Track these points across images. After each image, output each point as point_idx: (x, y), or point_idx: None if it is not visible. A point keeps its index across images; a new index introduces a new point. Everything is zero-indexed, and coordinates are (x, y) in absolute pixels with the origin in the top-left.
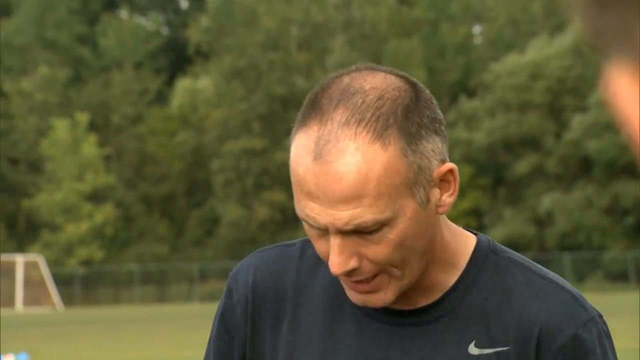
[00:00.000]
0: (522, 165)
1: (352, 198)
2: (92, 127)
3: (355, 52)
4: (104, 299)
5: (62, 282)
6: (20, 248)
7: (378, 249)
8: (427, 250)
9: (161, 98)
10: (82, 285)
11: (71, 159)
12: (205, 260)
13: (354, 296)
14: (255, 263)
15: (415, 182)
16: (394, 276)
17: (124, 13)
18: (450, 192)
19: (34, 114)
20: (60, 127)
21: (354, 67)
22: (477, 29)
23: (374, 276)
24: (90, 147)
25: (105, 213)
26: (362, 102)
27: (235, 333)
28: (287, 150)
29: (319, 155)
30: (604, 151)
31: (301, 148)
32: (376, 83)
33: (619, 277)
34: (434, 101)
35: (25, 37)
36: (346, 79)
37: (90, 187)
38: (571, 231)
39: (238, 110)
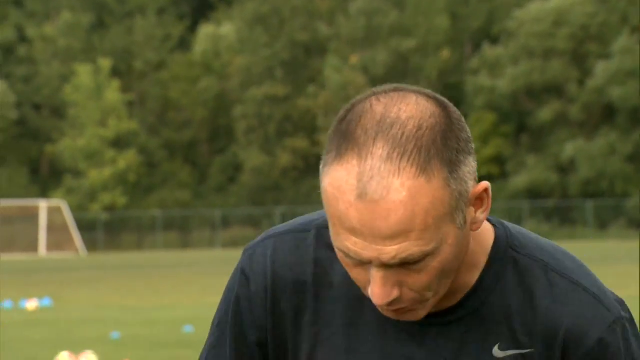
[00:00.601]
0: (545, 113)
1: (399, 234)
2: (115, 73)
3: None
4: (127, 244)
5: (85, 227)
6: (44, 193)
7: (420, 278)
8: (460, 266)
9: (184, 44)
10: (105, 231)
11: (94, 104)
12: (228, 206)
13: (391, 314)
14: (272, 253)
15: (456, 208)
16: (426, 299)
17: None
18: (484, 208)
19: (57, 59)
20: (83, 73)
21: (380, 89)
22: None
23: None
24: (113, 93)
25: (128, 159)
26: (402, 135)
27: (253, 323)
28: (310, 97)
29: (363, 194)
30: (628, 98)
31: (341, 183)
32: (412, 111)
33: None
34: (463, 119)
35: None
36: (379, 108)
37: (113, 133)
38: (594, 178)
39: (261, 56)
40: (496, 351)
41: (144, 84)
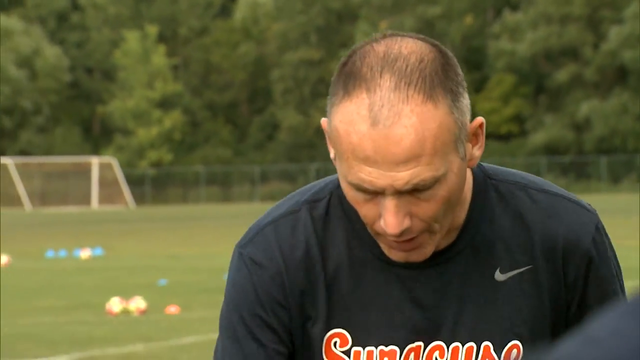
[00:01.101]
0: (562, 74)
1: (411, 158)
2: (161, 38)
3: None
4: (172, 198)
5: (134, 182)
6: (95, 151)
7: (429, 206)
8: (459, 201)
9: (225, 11)
10: (152, 186)
11: (142, 68)
12: (266, 163)
13: (395, 254)
14: (276, 238)
15: (459, 137)
16: (434, 231)
17: None
18: (479, 145)
19: (107, 26)
20: (132, 39)
21: (378, 35)
22: None
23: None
24: (159, 58)
25: (173, 119)
26: (406, 67)
27: (274, 308)
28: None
29: (375, 122)
30: (639, 61)
31: (352, 116)
32: (412, 47)
33: None
34: (455, 59)
35: None
36: (380, 48)
37: (159, 94)
38: (607, 135)
39: (296, 22)
40: (498, 275)
41: (187, 48)
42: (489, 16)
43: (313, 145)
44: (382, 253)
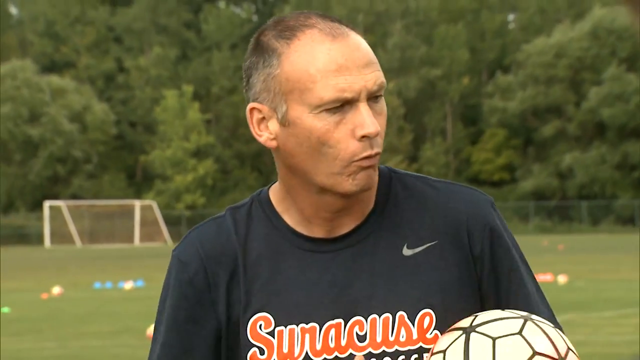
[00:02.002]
0: (548, 129)
1: (371, 61)
2: (196, 96)
3: (411, 35)
4: None
5: (171, 222)
6: (138, 195)
7: (381, 120)
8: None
9: None
10: (187, 225)
11: (179, 122)
12: None
13: (361, 177)
14: (198, 238)
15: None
16: (379, 153)
17: (222, 3)
18: None
19: (149, 85)
20: (170, 97)
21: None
22: (511, 16)
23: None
24: (194, 113)
25: (206, 167)
26: (323, 14)
27: (200, 299)
28: None
29: (334, 36)
30: (616, 117)
31: (309, 45)
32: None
33: (627, 221)
34: None
35: (142, 22)
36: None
37: (194, 145)
38: (588, 183)
39: None
40: (405, 251)
41: (219, 105)
42: (483, 77)
43: None
44: (301, 242)
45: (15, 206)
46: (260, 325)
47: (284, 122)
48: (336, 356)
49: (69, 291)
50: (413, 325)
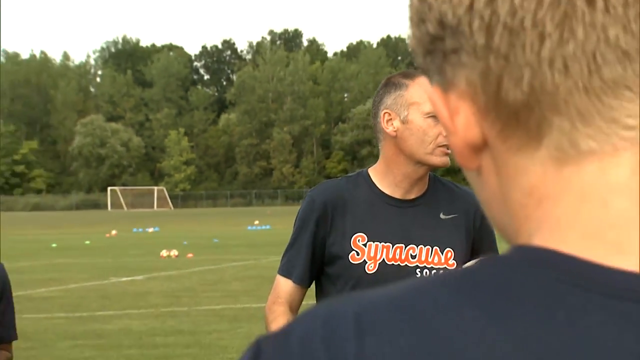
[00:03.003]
0: None
1: None
2: (186, 133)
3: None
4: None
5: (172, 198)
6: (156, 183)
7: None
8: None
9: None
10: (181, 200)
11: (177, 147)
12: None
13: (439, 159)
14: (324, 187)
15: None
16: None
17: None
18: None
19: (162, 127)
20: (173, 133)
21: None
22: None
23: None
24: (184, 142)
25: (190, 170)
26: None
27: (317, 225)
28: None
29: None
30: None
31: (419, 85)
32: None
33: None
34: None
35: (158, 96)
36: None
37: (185, 158)
38: None
39: None
40: (442, 215)
41: (199, 137)
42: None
43: None
44: (387, 199)
45: (93, 189)
46: (358, 239)
47: (404, 121)
48: (399, 264)
49: (120, 233)
50: (442, 255)
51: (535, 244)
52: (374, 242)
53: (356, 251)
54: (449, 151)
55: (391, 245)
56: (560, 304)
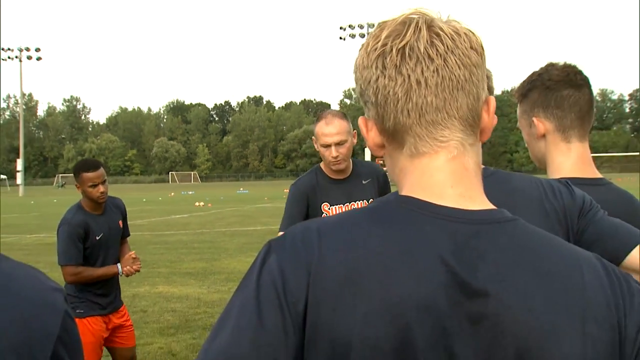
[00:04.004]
0: None
1: (340, 132)
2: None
3: None
4: None
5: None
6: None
7: (343, 150)
8: (350, 155)
9: None
10: (201, 180)
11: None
12: None
13: (334, 168)
14: (302, 182)
15: (349, 131)
16: (345, 160)
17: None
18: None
19: (187, 146)
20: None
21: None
22: None
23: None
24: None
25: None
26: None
27: (301, 199)
28: None
29: (326, 121)
30: None
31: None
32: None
33: None
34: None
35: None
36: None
37: (204, 159)
38: None
39: None
40: (363, 182)
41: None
42: None
43: None
44: (333, 180)
45: (162, 173)
46: (325, 206)
47: (318, 145)
48: None
49: (176, 194)
50: (367, 204)
51: (403, 194)
52: (333, 205)
53: (325, 213)
54: (341, 163)
55: (342, 206)
56: (410, 220)
